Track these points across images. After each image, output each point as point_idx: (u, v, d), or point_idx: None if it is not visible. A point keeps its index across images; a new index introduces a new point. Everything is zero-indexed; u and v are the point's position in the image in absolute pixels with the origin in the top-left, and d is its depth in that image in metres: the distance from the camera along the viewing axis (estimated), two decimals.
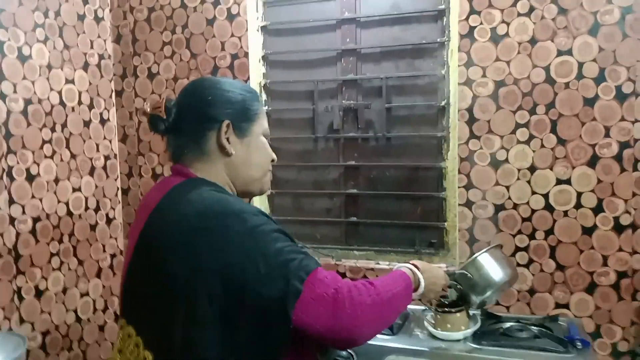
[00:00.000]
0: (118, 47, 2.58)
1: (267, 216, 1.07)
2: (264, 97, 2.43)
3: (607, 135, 1.92)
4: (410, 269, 1.29)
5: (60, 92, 2.29)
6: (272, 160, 1.25)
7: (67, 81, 2.33)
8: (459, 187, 2.10)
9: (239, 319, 0.98)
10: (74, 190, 2.36)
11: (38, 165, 2.18)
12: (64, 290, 2.31)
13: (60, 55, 2.29)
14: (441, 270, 1.45)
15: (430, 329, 1.77)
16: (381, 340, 1.75)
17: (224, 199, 1.07)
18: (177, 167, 1.17)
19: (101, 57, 2.52)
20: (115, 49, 2.59)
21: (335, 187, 2.37)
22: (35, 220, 2.17)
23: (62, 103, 2.30)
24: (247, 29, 2.35)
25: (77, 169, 2.37)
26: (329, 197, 2.39)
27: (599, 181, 1.94)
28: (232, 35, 2.38)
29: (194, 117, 1.16)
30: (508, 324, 1.84)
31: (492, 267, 1.68)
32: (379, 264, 2.25)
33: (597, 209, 1.95)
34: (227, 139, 1.15)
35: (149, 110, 1.17)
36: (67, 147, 2.33)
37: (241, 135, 1.16)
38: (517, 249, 2.05)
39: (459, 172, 2.09)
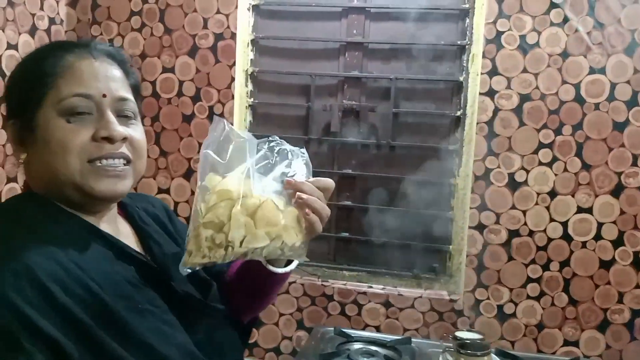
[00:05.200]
0: (73, 11, 2.15)
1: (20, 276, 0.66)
2: (249, 87, 2.10)
3: (634, 163, 1.79)
4: None
5: None
6: (108, 139, 0.78)
7: (10, 46, 1.87)
8: (470, 208, 1.89)
9: None
10: (9, 180, 1.92)
11: None
12: None
13: (2, 12, 1.84)
14: None
15: None
16: None
17: None
18: None
19: (52, 21, 2.08)
20: (69, 13, 2.15)
21: None
22: None
23: (0, 72, 1.85)
24: (236, 6, 2.01)
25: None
26: None
27: (622, 212, 1.80)
28: (218, 12, 2.03)
29: None
30: None
31: None
32: (372, 287, 2.00)
33: (617, 242, 1.82)
34: (20, 141, 0.80)
35: None
36: (3, 128, 1.88)
37: (29, 131, 0.79)
38: (529, 280, 1.88)
39: (472, 192, 1.89)
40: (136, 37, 2.10)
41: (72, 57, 0.80)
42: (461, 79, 1.93)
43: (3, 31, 1.85)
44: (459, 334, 1.62)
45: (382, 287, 2.00)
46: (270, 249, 0.76)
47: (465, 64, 1.93)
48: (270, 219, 0.74)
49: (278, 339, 2.04)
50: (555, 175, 1.84)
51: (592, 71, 1.79)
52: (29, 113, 0.78)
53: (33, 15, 1.98)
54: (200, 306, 0.89)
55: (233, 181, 0.74)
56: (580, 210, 1.83)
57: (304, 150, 0.83)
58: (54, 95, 0.78)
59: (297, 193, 0.79)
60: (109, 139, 0.78)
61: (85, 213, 0.82)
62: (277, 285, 1.00)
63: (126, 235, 0.90)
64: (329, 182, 0.85)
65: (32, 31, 1.98)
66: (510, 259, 1.88)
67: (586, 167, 1.81)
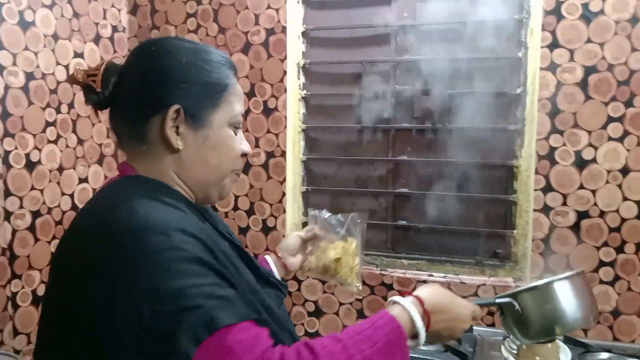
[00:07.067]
0: (134, 18, 2.26)
1: (195, 237, 0.75)
2: (302, 79, 2.11)
3: None
4: (407, 309, 0.86)
5: (67, 67, 1.96)
6: (244, 155, 0.93)
7: (76, 54, 2.00)
8: (535, 190, 1.80)
9: None
10: (81, 180, 2.04)
11: (39, 151, 1.86)
12: None
13: (68, 24, 1.96)
14: (464, 307, 0.96)
15: None
16: None
17: (134, 208, 0.76)
18: (122, 163, 0.90)
19: (115, 29, 2.20)
20: (130, 20, 2.26)
21: (382, 185, 2.06)
22: (35, 215, 1.86)
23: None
24: (285, 1, 2.03)
25: (84, 157, 2.05)
26: (374, 197, 2.08)
27: None
28: (268, 7, 2.05)
29: (134, 96, 0.85)
30: (601, 356, 1.54)
31: (566, 303, 1.11)
32: (432, 275, 1.95)
33: None
34: (177, 129, 0.84)
35: (80, 77, 0.86)
36: (74, 131, 2.00)
37: (196, 125, 0.85)
38: (602, 264, 1.76)
39: (536, 172, 1.79)
40: (193, 37, 2.17)
41: (234, 77, 0.91)
42: (519, 54, 1.84)
43: (70, 41, 1.98)
44: None
45: (443, 275, 1.94)
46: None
47: (523, 39, 1.84)
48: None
49: (339, 328, 2.04)
50: (628, 150, 1.71)
51: None
52: (201, 110, 0.85)
53: (97, 24, 2.10)
54: (277, 281, 1.05)
55: (338, 246, 1.29)
56: None
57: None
58: (229, 108, 0.88)
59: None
60: (247, 155, 0.94)
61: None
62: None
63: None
64: None
65: (97, 39, 2.10)
66: (580, 242, 1.77)
67: None
